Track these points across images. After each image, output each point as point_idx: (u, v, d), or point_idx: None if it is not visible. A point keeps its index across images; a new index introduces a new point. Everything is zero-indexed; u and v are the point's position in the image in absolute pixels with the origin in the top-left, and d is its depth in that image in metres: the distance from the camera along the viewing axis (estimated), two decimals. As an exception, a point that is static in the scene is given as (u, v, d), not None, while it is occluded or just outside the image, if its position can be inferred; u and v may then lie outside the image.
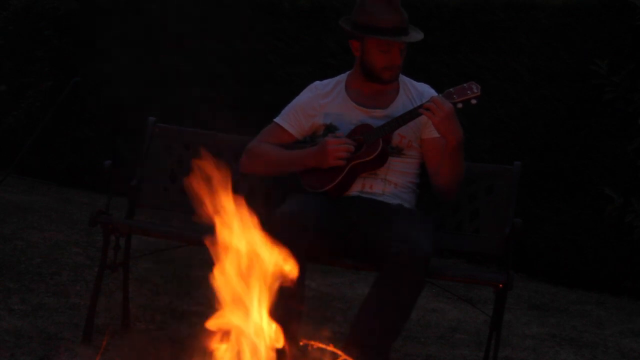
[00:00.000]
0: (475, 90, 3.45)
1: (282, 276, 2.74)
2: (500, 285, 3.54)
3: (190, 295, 4.62)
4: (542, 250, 5.97)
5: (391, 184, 3.59)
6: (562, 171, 5.90)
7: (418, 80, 3.76)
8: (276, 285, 2.73)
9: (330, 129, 3.62)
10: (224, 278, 2.74)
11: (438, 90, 3.68)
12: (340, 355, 2.85)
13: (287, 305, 2.98)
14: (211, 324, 2.73)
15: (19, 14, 8.36)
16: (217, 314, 2.73)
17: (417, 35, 3.57)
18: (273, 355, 2.69)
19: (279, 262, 2.73)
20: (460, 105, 3.44)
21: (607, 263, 5.78)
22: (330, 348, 2.81)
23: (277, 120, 3.73)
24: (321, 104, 3.67)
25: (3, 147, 8.16)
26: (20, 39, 8.34)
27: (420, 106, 3.45)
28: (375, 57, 3.55)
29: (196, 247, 4.62)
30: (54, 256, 5.12)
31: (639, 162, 5.60)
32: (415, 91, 3.68)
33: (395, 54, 3.54)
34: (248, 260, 2.73)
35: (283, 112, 3.74)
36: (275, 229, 3.23)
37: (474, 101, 3.46)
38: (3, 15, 8.45)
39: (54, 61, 8.12)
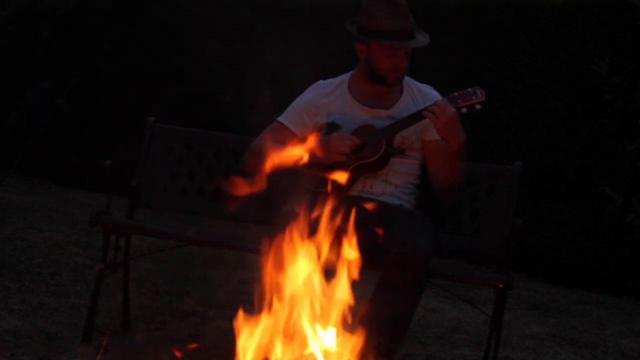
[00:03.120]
0: (480, 96, 3.45)
1: None
2: (500, 285, 3.54)
3: (190, 295, 4.62)
4: (542, 250, 5.97)
5: (391, 185, 3.60)
6: (562, 171, 5.90)
7: (418, 80, 3.76)
8: None
9: (332, 127, 3.61)
10: None
11: (440, 92, 3.68)
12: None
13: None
14: None
15: (19, 14, 8.35)
16: None
17: (423, 39, 3.56)
18: None
19: None
20: (464, 110, 3.44)
21: (607, 263, 5.78)
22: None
23: (280, 119, 3.73)
24: (324, 102, 3.67)
25: (3, 147, 8.16)
26: (20, 39, 8.34)
27: (425, 109, 3.45)
28: (380, 61, 3.55)
29: (196, 247, 4.63)
30: (54, 256, 5.11)
31: (639, 162, 5.60)
32: (419, 92, 3.68)
33: (401, 58, 3.54)
34: None
35: (286, 111, 3.74)
36: (277, 229, 3.24)
37: (478, 106, 3.45)
38: (3, 15, 8.44)
39: (54, 61, 8.11)
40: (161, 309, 4.34)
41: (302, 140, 3.69)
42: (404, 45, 3.50)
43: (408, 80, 3.71)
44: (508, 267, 3.57)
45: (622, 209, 5.62)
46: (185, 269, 5.07)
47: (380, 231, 3.42)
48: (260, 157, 3.69)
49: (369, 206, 3.54)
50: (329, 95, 3.69)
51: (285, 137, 3.69)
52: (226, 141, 4.07)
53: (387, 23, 3.48)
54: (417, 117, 3.49)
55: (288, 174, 3.75)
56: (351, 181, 3.56)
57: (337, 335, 2.81)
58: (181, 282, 4.85)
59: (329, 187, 3.56)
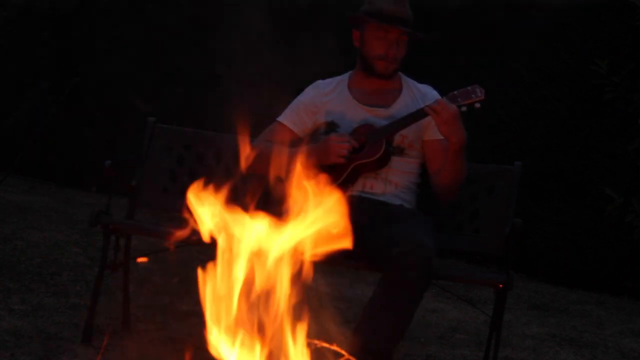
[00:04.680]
0: (480, 94, 3.45)
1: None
2: (500, 285, 3.54)
3: (190, 295, 4.62)
4: (542, 250, 5.97)
5: (392, 184, 3.60)
6: (562, 171, 5.90)
7: (418, 80, 3.77)
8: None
9: (331, 126, 3.62)
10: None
11: (439, 91, 3.68)
12: (344, 355, 2.85)
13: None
14: None
15: (19, 14, 8.35)
16: None
17: (415, 33, 3.58)
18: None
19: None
20: (464, 109, 3.44)
21: (607, 263, 5.78)
22: (334, 347, 2.81)
23: (279, 119, 3.73)
24: (323, 102, 3.68)
25: (3, 147, 8.16)
26: (20, 39, 8.34)
27: (426, 107, 3.45)
28: (371, 45, 3.58)
29: (196, 247, 4.63)
30: (54, 256, 5.12)
31: (639, 162, 5.60)
32: (418, 92, 3.68)
33: (391, 42, 3.56)
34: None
35: (285, 111, 3.74)
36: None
37: (477, 105, 3.45)
38: (3, 15, 8.45)
39: (54, 61, 8.11)
40: (161, 309, 4.34)
41: (302, 139, 3.69)
42: (394, 26, 3.53)
43: (407, 79, 3.72)
44: (508, 267, 3.57)
45: (622, 209, 5.62)
46: (185, 269, 5.06)
47: (382, 231, 3.42)
48: (260, 158, 3.70)
49: (369, 207, 3.55)
50: (328, 95, 3.70)
51: (285, 137, 3.69)
52: (226, 141, 4.07)
53: (382, 6, 3.54)
54: (417, 115, 3.50)
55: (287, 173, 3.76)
56: (352, 181, 3.57)
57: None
58: (181, 282, 4.85)
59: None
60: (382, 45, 3.57)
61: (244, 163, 3.75)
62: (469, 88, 3.47)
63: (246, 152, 3.70)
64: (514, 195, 3.75)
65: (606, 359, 4.37)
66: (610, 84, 5.66)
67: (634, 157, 5.62)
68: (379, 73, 3.61)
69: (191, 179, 4.01)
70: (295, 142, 3.69)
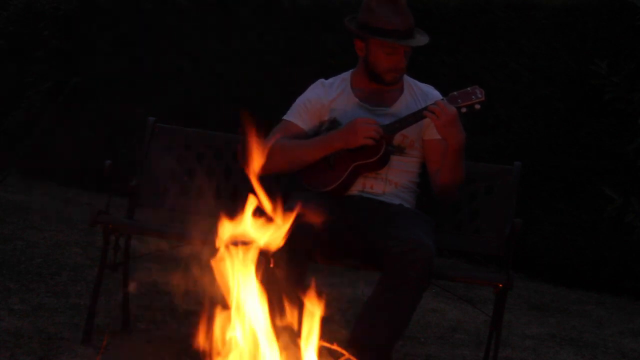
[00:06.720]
0: (480, 96, 3.45)
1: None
2: (500, 285, 3.54)
3: (190, 295, 4.62)
4: (542, 250, 5.97)
5: (392, 184, 3.60)
6: (562, 171, 5.90)
7: (418, 80, 3.76)
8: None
9: (333, 123, 3.61)
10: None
11: (440, 92, 3.68)
12: (344, 355, 2.85)
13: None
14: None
15: (19, 14, 8.36)
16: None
17: (422, 39, 3.56)
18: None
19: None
20: (464, 110, 3.44)
21: (607, 263, 5.78)
22: (334, 347, 2.81)
23: (287, 117, 3.71)
24: (327, 100, 3.67)
25: (3, 147, 8.16)
26: (20, 39, 8.34)
27: (425, 108, 3.45)
28: (379, 59, 3.55)
29: (196, 247, 4.62)
30: (54, 256, 5.12)
31: (638, 162, 5.60)
32: (420, 92, 3.68)
33: (400, 57, 3.54)
34: None
35: (291, 109, 3.73)
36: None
37: (477, 106, 3.46)
38: (3, 16, 8.45)
39: (54, 61, 8.12)
40: (161, 309, 4.34)
41: (311, 135, 3.68)
42: (404, 43, 3.50)
43: (409, 79, 3.71)
44: (508, 267, 3.57)
45: (622, 209, 5.62)
46: (185, 269, 5.06)
47: (382, 230, 3.42)
48: (277, 155, 3.61)
49: (369, 206, 3.55)
50: (331, 93, 3.69)
51: (295, 134, 3.66)
52: (226, 141, 4.07)
53: (387, 21, 3.49)
54: (417, 116, 3.50)
55: (287, 174, 3.76)
56: (352, 181, 3.56)
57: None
58: (181, 282, 4.84)
59: (331, 188, 3.56)
60: (391, 59, 3.55)
61: (259, 162, 3.72)
62: (469, 89, 3.47)
63: (261, 151, 3.67)
64: (514, 195, 3.76)
65: (606, 359, 4.37)
66: (610, 84, 5.66)
67: (633, 157, 5.62)
68: (389, 82, 3.60)
69: (191, 179, 4.05)
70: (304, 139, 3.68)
